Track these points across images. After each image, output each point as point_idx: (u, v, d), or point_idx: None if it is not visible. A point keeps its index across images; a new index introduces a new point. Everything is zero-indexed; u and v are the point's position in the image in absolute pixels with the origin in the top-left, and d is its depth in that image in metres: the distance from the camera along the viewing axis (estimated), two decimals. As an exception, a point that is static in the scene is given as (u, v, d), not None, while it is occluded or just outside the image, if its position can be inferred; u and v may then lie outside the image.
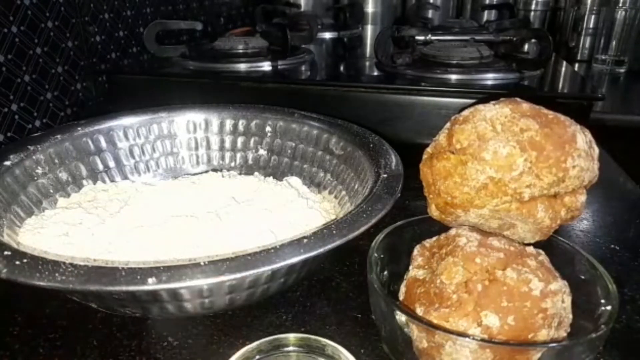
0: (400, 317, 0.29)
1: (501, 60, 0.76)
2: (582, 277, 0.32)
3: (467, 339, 0.26)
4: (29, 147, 0.44)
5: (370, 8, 1.26)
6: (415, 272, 0.32)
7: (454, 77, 0.70)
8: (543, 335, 0.27)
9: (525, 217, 0.30)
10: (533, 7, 1.26)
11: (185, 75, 0.77)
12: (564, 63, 0.86)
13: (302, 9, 1.19)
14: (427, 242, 0.34)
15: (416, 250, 0.33)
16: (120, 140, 0.51)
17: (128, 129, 0.52)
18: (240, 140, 0.54)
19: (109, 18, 0.79)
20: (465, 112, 0.31)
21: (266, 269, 0.28)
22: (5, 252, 0.29)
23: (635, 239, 0.47)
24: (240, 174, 0.53)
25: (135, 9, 0.86)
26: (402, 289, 0.32)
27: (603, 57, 1.15)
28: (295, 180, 0.50)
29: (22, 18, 0.61)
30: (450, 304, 0.27)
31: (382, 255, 0.33)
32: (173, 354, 0.33)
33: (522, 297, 0.27)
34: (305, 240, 0.30)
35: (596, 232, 0.47)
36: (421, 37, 0.81)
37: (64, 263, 0.28)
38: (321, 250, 0.30)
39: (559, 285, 0.28)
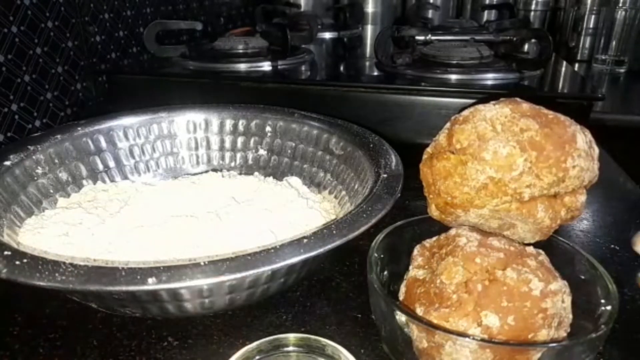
0: (400, 317, 0.29)
1: (501, 60, 0.76)
2: (582, 277, 0.32)
3: (467, 339, 0.26)
4: (29, 147, 0.44)
5: (370, 8, 1.26)
6: (415, 272, 0.32)
7: (454, 77, 0.70)
8: (543, 335, 0.27)
9: (525, 217, 0.30)
10: (533, 7, 1.26)
11: (185, 75, 0.77)
12: (564, 63, 0.86)
13: (302, 9, 1.19)
14: (427, 242, 0.34)
15: (416, 250, 0.33)
16: (120, 140, 0.51)
17: (128, 129, 0.52)
18: (240, 140, 0.54)
19: (109, 18, 0.79)
20: (465, 112, 0.31)
21: (266, 269, 0.28)
22: (5, 252, 0.29)
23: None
24: (240, 174, 0.53)
25: (135, 9, 0.86)
26: (402, 289, 0.32)
27: (603, 57, 1.15)
28: (295, 180, 0.50)
29: (22, 18, 0.61)
30: (450, 304, 0.27)
31: (382, 255, 0.33)
32: (173, 354, 0.33)
33: (522, 297, 0.27)
34: (305, 240, 0.30)
35: (596, 232, 0.47)
36: (421, 37, 0.81)
37: (64, 263, 0.28)
38: (321, 250, 0.30)
39: (559, 285, 0.28)
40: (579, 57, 1.24)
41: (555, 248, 0.33)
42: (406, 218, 0.36)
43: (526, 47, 0.86)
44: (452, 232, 0.32)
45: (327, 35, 1.14)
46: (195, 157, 0.55)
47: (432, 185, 0.32)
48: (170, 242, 0.39)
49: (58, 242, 0.38)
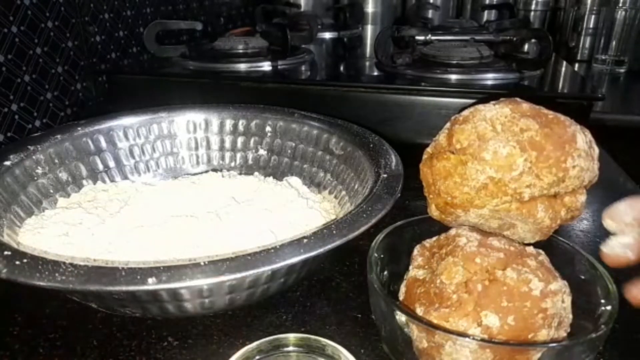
0: (400, 317, 0.29)
1: (501, 60, 0.76)
2: (582, 277, 0.32)
3: (467, 339, 0.26)
4: (29, 147, 0.44)
5: (370, 8, 1.26)
6: (415, 272, 0.32)
7: (454, 77, 0.70)
8: (543, 335, 0.27)
9: (525, 217, 0.30)
10: (533, 7, 1.26)
11: (185, 75, 0.77)
12: (564, 63, 0.86)
13: (302, 9, 1.19)
14: (427, 242, 0.34)
15: (416, 250, 0.33)
16: (120, 140, 0.51)
17: (128, 129, 0.52)
18: (240, 140, 0.54)
19: (109, 18, 0.79)
20: (465, 112, 0.31)
21: (266, 269, 0.28)
22: (5, 252, 0.29)
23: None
24: (240, 174, 0.53)
25: (135, 9, 0.86)
26: (402, 289, 0.32)
27: (603, 57, 1.15)
28: (295, 180, 0.50)
29: (22, 18, 0.61)
30: (450, 304, 0.27)
31: (382, 255, 0.33)
32: (173, 354, 0.33)
33: (522, 297, 0.27)
34: (305, 240, 0.30)
35: (596, 232, 0.47)
36: (421, 37, 0.81)
37: (64, 263, 0.28)
38: (321, 250, 0.30)
39: (559, 285, 0.28)
40: (579, 57, 1.24)
41: (555, 248, 0.33)
42: (406, 218, 0.36)
43: (526, 47, 0.86)
44: (452, 232, 0.32)
45: (327, 35, 1.14)
46: (195, 157, 0.55)
47: (432, 185, 0.32)
48: (170, 242, 0.39)
49: (58, 242, 0.38)
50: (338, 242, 0.30)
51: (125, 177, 0.51)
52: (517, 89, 0.68)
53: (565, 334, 0.28)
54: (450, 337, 0.26)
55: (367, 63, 0.88)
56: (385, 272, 0.34)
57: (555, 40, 0.78)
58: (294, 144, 0.52)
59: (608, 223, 0.30)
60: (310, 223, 0.41)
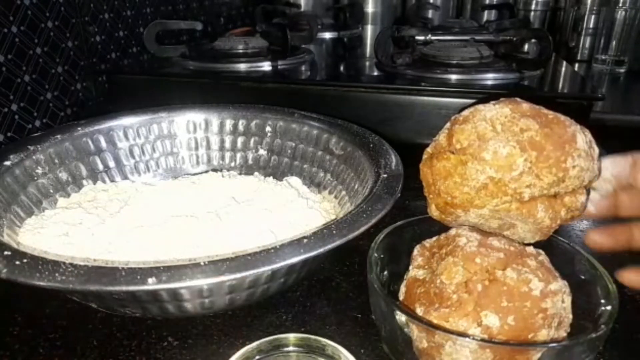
0: (400, 317, 0.29)
1: (501, 60, 0.76)
2: (582, 277, 0.32)
3: (467, 339, 0.26)
4: (29, 147, 0.44)
5: (370, 8, 1.26)
6: (415, 272, 0.32)
7: (454, 77, 0.70)
8: (543, 335, 0.27)
9: (525, 217, 0.30)
10: (533, 7, 1.25)
11: (185, 75, 0.77)
12: (564, 63, 0.86)
13: (302, 9, 1.19)
14: (427, 242, 0.34)
15: (416, 250, 0.33)
16: (120, 140, 0.51)
17: (128, 129, 0.52)
18: (240, 140, 0.54)
19: (109, 18, 0.79)
20: (465, 112, 0.31)
21: (266, 269, 0.28)
22: (5, 252, 0.29)
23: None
24: (240, 174, 0.53)
25: (135, 9, 0.86)
26: (402, 289, 0.32)
27: (603, 57, 1.15)
28: (295, 180, 0.50)
29: (22, 18, 0.61)
30: (450, 304, 0.27)
31: (382, 255, 0.33)
32: (173, 354, 0.33)
33: (522, 297, 0.27)
34: (305, 240, 0.30)
35: (596, 232, 0.47)
36: (421, 37, 0.81)
37: (64, 263, 0.28)
38: (321, 250, 0.30)
39: (559, 285, 0.28)
40: (579, 57, 1.24)
41: (555, 248, 0.33)
42: (406, 218, 0.36)
43: (526, 47, 0.86)
44: (452, 232, 0.32)
45: (327, 35, 1.14)
46: (195, 157, 0.55)
47: (432, 185, 0.32)
48: (170, 242, 0.39)
49: (58, 242, 0.38)
50: (338, 242, 0.30)
51: (125, 177, 0.51)
52: (517, 89, 0.68)
53: (565, 334, 0.28)
54: (450, 337, 0.26)
55: (367, 63, 0.88)
56: (385, 272, 0.34)
57: (555, 40, 0.78)
58: (294, 144, 0.52)
59: None
60: (310, 223, 0.41)
